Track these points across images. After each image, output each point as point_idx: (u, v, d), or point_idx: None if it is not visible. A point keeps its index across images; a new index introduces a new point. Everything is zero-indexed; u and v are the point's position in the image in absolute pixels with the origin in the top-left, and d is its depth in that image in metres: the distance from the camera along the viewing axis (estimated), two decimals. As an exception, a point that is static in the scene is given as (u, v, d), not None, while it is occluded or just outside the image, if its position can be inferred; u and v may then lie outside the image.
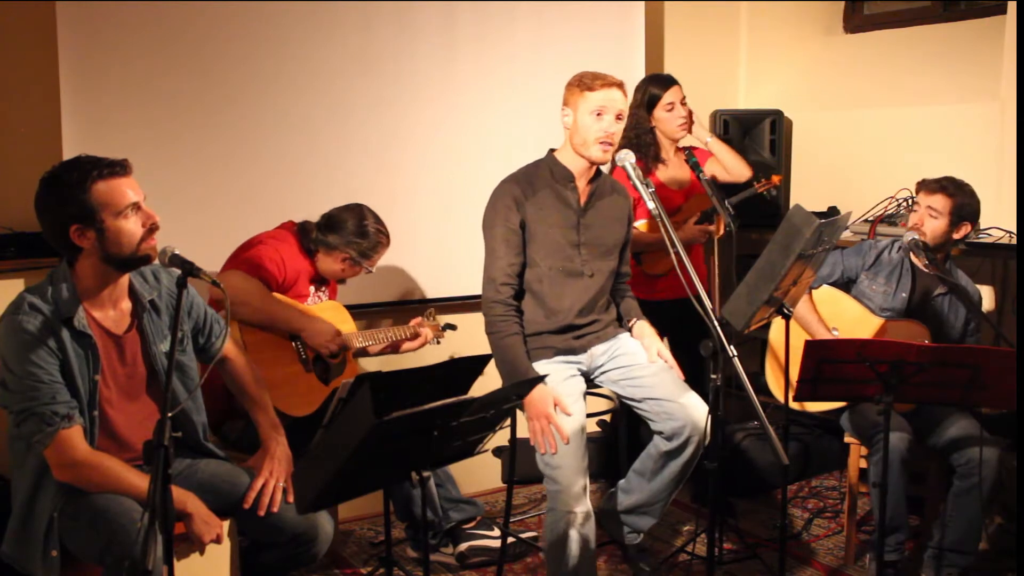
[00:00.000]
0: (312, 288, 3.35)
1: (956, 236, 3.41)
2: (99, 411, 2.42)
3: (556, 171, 2.98)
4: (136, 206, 2.38)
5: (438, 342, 3.64)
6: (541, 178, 2.97)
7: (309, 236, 3.31)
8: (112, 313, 2.47)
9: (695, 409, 2.92)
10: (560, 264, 2.96)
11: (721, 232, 3.76)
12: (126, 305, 2.51)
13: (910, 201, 4.00)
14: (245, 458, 2.75)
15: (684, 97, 3.83)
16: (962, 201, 3.36)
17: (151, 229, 2.40)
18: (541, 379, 2.73)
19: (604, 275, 3.06)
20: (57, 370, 2.32)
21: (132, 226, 2.36)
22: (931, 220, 3.37)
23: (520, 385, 2.51)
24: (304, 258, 3.29)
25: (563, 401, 2.84)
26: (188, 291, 2.62)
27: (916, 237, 3.33)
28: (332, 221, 3.31)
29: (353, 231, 3.29)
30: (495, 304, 2.93)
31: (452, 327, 3.72)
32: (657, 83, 3.83)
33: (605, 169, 3.12)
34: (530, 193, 2.94)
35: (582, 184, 3.00)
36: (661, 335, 3.22)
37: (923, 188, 3.44)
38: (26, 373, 2.29)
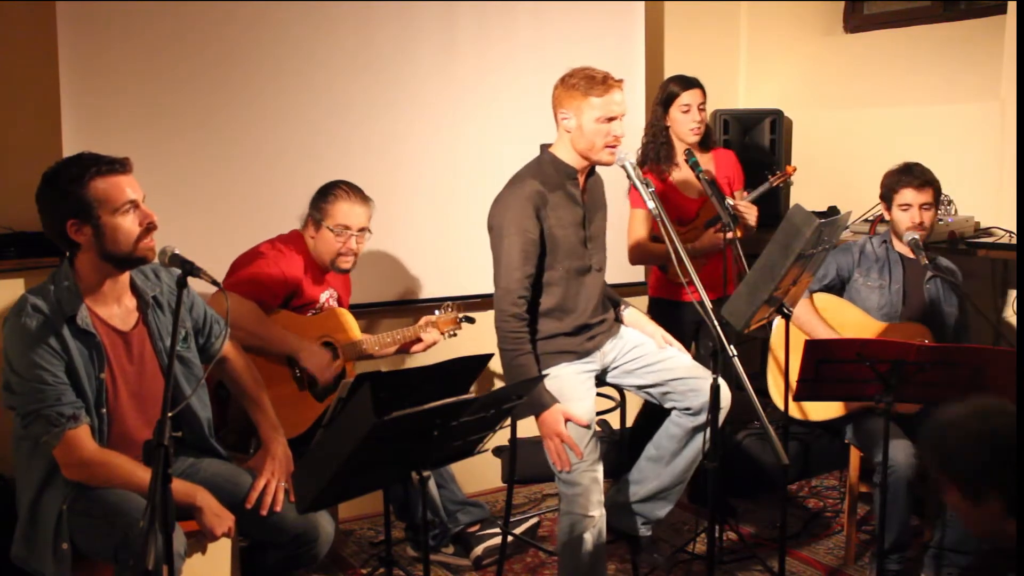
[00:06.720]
0: (324, 295, 3.29)
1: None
2: (108, 408, 2.42)
3: (560, 169, 2.93)
4: (134, 204, 2.39)
5: (455, 334, 3.55)
6: (549, 180, 2.90)
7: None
8: (118, 310, 2.48)
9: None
10: (575, 264, 2.94)
11: (739, 234, 3.60)
12: (131, 301, 2.52)
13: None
14: (245, 458, 2.75)
15: (703, 102, 3.77)
16: (938, 183, 3.40)
17: (148, 228, 2.40)
18: (541, 379, 2.73)
19: (604, 265, 3.07)
20: (62, 371, 2.33)
21: (129, 224, 2.37)
22: (927, 213, 3.38)
23: (521, 385, 2.51)
24: (310, 264, 3.24)
25: (573, 414, 2.84)
26: (188, 290, 2.63)
27: (916, 237, 3.33)
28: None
29: (315, 198, 3.24)
30: (511, 318, 2.85)
31: (470, 320, 3.59)
32: (678, 82, 3.79)
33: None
34: (547, 199, 2.87)
35: (582, 180, 2.99)
36: (685, 335, 3.22)
37: (906, 185, 3.38)
38: (31, 375, 2.30)
